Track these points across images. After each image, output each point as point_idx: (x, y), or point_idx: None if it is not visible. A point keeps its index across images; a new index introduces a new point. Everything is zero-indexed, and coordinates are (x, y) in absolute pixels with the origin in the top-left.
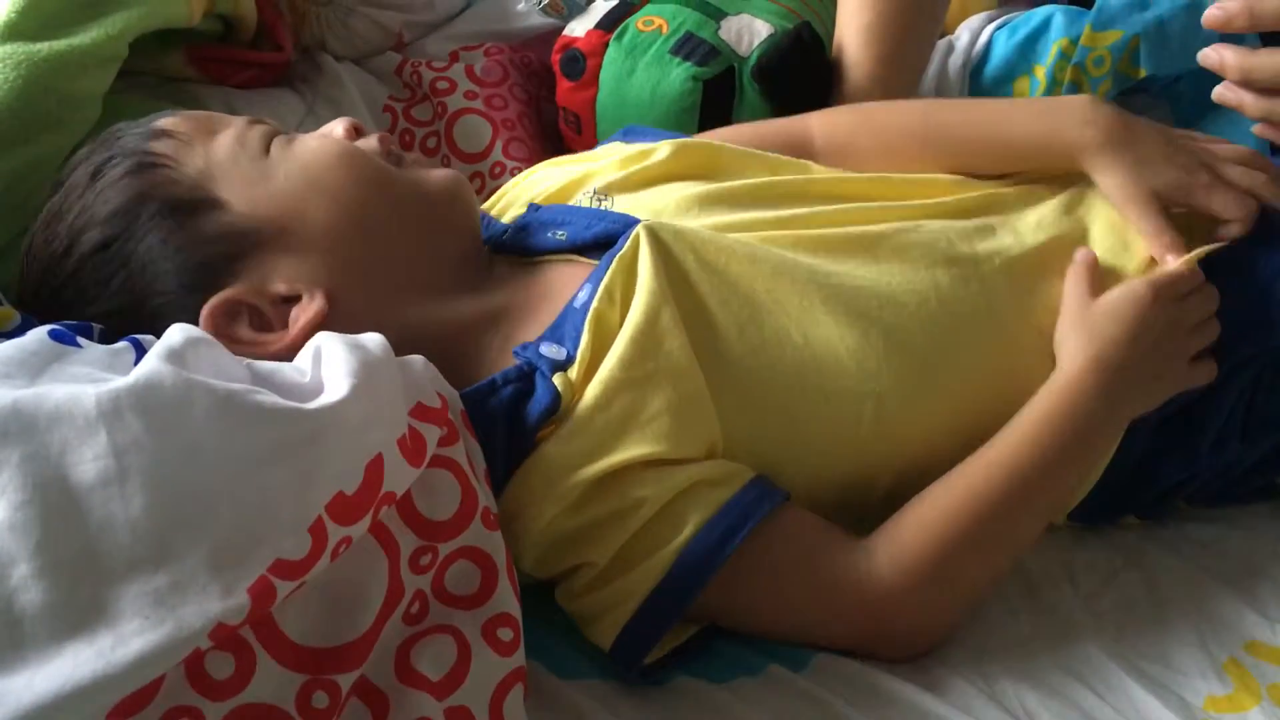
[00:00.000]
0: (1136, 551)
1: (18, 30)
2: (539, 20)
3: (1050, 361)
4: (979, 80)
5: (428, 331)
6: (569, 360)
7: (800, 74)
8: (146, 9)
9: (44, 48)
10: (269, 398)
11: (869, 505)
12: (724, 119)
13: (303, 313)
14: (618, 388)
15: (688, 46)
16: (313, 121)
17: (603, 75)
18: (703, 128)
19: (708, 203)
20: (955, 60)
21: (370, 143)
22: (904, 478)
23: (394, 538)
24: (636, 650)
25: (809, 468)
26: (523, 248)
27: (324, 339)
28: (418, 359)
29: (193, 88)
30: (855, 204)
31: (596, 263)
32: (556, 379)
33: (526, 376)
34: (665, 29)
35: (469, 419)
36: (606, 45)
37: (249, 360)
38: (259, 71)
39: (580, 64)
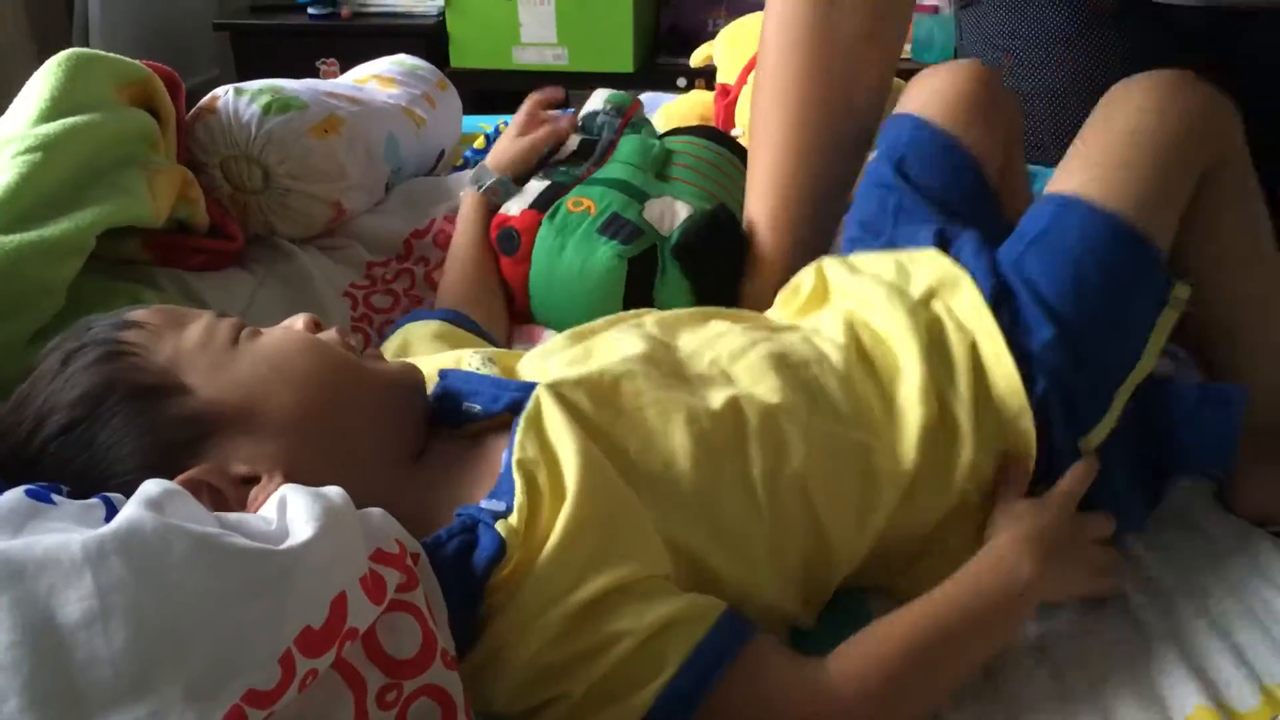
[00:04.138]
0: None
1: None
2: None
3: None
4: None
5: (378, 498)
6: (508, 511)
7: (717, 250)
8: (116, 206)
9: (14, 239)
10: (241, 540)
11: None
12: (646, 293)
13: (261, 493)
14: (588, 524)
15: (614, 226)
16: (263, 294)
17: (535, 251)
18: (627, 301)
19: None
20: None
21: (330, 335)
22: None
23: (360, 675)
24: None
25: (741, 561)
26: (447, 421)
27: (288, 490)
28: (376, 511)
29: (147, 269)
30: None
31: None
32: (499, 526)
33: (470, 529)
34: (593, 210)
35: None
36: (539, 224)
37: (217, 512)
38: (211, 257)
39: (515, 240)
